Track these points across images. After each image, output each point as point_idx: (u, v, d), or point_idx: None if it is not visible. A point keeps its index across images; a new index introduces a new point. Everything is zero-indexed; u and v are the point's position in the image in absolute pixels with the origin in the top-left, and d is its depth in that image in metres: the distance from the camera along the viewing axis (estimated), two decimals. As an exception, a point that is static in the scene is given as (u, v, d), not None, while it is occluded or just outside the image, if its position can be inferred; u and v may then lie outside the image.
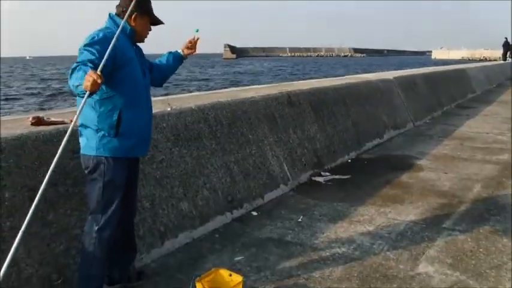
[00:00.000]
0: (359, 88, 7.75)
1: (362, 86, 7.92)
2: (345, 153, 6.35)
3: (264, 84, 8.79)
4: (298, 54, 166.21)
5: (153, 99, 4.81)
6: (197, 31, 2.93)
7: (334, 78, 9.82)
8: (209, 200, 3.91)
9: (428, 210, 4.35)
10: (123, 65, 2.44)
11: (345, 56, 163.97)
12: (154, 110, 3.82)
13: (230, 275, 2.67)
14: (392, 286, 2.96)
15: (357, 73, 18.58)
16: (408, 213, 4.25)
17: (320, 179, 5.36)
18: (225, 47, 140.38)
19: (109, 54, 2.21)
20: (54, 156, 2.00)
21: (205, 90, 14.47)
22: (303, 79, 16.37)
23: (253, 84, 16.61)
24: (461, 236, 3.74)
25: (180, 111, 4.00)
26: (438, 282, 3.02)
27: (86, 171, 2.52)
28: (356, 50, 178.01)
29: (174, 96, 4.89)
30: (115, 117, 2.43)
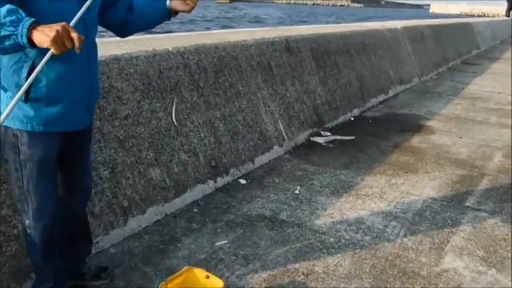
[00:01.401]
0: (365, 37, 6.89)
1: (368, 35, 7.06)
2: (347, 110, 5.61)
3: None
4: (294, 1, 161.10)
5: (113, 39, 3.92)
6: None
7: (337, 25, 8.89)
8: (187, 166, 3.19)
9: (447, 183, 3.69)
10: None
11: (342, 5, 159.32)
12: (119, 51, 3.03)
13: (207, 277, 1.99)
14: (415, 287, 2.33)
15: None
16: (424, 186, 3.59)
17: (320, 140, 4.65)
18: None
19: None
20: None
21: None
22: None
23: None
24: (490, 219, 3.10)
25: (153, 54, 3.18)
26: (470, 283, 2.40)
27: None
28: (353, 0, 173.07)
29: (146, 36, 4.02)
30: (24, 73, 1.60)
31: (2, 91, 1.65)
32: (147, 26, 2.08)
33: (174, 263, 2.42)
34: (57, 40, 1.34)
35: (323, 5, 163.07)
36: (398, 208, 3.18)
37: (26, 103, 1.63)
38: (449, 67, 10.92)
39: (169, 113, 3.16)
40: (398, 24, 9.23)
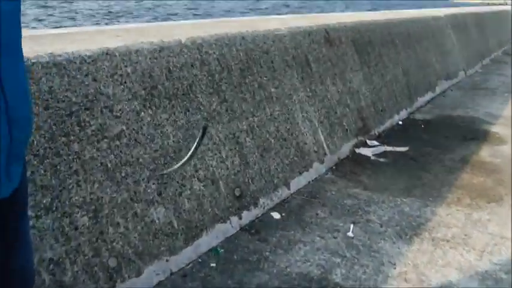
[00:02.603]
0: (409, 26, 5.92)
1: (412, 24, 6.08)
2: (394, 113, 4.69)
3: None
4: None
5: (110, 28, 3.06)
6: None
7: (376, 12, 7.91)
8: (202, 199, 2.33)
9: (547, 218, 2.77)
10: None
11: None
12: (113, 42, 2.14)
13: None
14: None
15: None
16: (519, 225, 2.68)
17: (367, 152, 3.75)
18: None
19: None
20: None
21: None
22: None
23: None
24: None
25: (160, 47, 2.32)
26: None
27: None
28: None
29: (151, 24, 3.15)
30: None
31: None
32: None
33: None
34: None
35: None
36: (495, 264, 2.28)
37: None
38: (492, 59, 9.89)
39: (180, 127, 2.29)
40: (442, 11, 8.19)
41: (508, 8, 16.14)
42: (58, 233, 1.73)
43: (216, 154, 2.47)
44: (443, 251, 2.37)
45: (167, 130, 2.23)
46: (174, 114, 2.29)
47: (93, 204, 1.86)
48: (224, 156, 2.52)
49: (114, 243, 1.90)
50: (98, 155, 1.93)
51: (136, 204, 2.02)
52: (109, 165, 1.95)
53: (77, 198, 1.81)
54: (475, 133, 4.46)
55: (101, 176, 1.92)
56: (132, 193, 2.01)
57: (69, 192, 1.79)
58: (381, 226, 2.60)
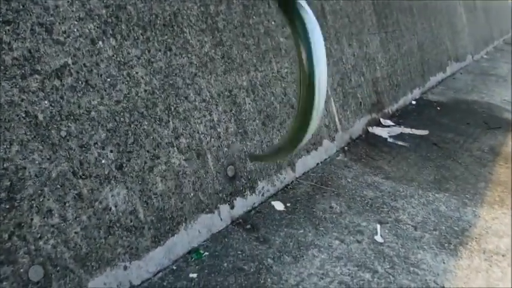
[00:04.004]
0: (425, -6, 5.24)
1: (428, -8, 5.40)
2: (407, 90, 4.05)
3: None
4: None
5: None
6: None
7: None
8: (183, 178, 1.64)
9: None
10: None
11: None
12: None
13: None
14: None
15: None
16: None
17: (382, 132, 3.11)
18: None
19: None
20: None
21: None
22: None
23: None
24: None
25: (133, -49, 1.56)
26: None
27: None
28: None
29: None
30: None
31: None
32: None
33: None
34: None
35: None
36: None
37: None
38: (495, 46, 9.39)
39: (158, 71, 1.57)
40: (451, -13, 7.54)
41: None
42: None
43: (204, 116, 1.77)
44: (495, 265, 1.76)
45: (137, 73, 1.51)
46: (149, 51, 1.56)
47: (9, 178, 1.15)
48: (216, 120, 1.82)
49: (41, 243, 1.20)
50: (22, 99, 1.20)
51: (81, 181, 1.31)
52: (40, 117, 1.23)
53: (-24, 165, 1.09)
54: (495, 119, 3.87)
55: (26, 134, 1.20)
56: (77, 164, 1.30)
57: (-37, 155, 1.07)
58: (415, 229, 1.97)
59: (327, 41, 2.75)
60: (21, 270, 1.15)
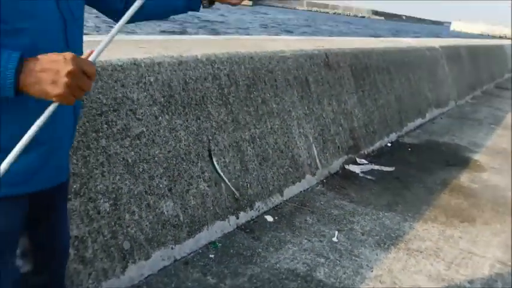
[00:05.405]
0: (405, 55, 6.29)
1: (408, 53, 6.45)
2: (384, 135, 5.01)
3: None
4: (315, 9, 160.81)
5: (133, 38, 3.37)
6: None
7: (374, 39, 8.31)
8: (206, 198, 2.62)
9: (513, 240, 3.08)
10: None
11: (362, 16, 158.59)
12: (139, 54, 2.45)
13: None
14: None
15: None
16: (487, 244, 2.98)
17: (356, 169, 4.06)
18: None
19: None
20: None
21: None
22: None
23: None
24: None
25: (179, 61, 2.63)
26: None
27: None
28: (374, 13, 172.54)
29: (172, 37, 3.45)
30: None
31: None
32: (165, 13, 1.52)
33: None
34: (70, 91, 0.90)
35: (344, 14, 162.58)
36: (461, 274, 2.58)
37: None
38: (484, 91, 10.29)
39: (192, 133, 2.59)
40: (435, 42, 8.61)
41: (508, 42, 16.67)
42: (84, 214, 2.01)
43: (220, 159, 2.77)
44: (416, 260, 2.66)
45: (180, 134, 2.53)
46: (187, 121, 2.59)
47: (114, 193, 2.15)
48: (227, 161, 2.82)
49: (129, 229, 2.18)
50: (121, 151, 2.21)
51: (149, 197, 2.30)
52: (129, 160, 2.24)
53: (101, 186, 2.10)
54: (457, 159, 4.78)
55: (122, 169, 2.20)
56: (147, 186, 2.30)
57: (95, 180, 2.08)
58: (363, 235, 2.89)
59: (309, 103, 3.77)
60: (119, 242, 2.13)
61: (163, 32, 15.74)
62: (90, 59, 0.97)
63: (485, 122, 6.87)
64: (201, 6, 1.49)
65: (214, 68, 2.83)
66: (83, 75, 0.91)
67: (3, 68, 0.87)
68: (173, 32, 16.03)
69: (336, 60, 4.37)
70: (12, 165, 0.92)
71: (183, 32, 16.87)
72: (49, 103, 0.93)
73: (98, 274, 2.02)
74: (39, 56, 0.91)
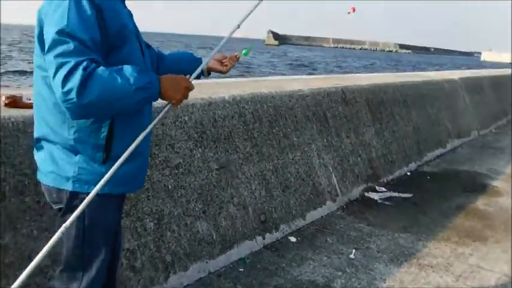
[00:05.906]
0: (422, 88, 6.61)
1: (426, 86, 6.78)
2: (403, 165, 5.29)
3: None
4: (342, 45, 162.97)
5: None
6: (246, 53, 2.00)
7: (392, 74, 8.68)
8: (235, 220, 3.00)
9: (522, 257, 3.28)
10: (122, 42, 1.50)
11: (390, 51, 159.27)
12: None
13: None
14: None
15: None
16: (496, 260, 3.20)
17: (375, 196, 4.36)
18: (268, 33, 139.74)
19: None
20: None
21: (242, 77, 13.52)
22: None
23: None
24: None
25: (209, 102, 3.09)
26: None
27: (55, 207, 1.60)
28: (401, 46, 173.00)
29: (204, 81, 3.95)
30: (104, 132, 1.48)
31: (70, 152, 1.49)
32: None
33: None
34: (185, 96, 1.54)
35: (371, 49, 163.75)
36: (468, 285, 2.82)
37: (104, 164, 1.49)
38: (508, 119, 10.36)
39: (223, 163, 3.01)
40: (455, 74, 8.89)
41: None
42: (133, 231, 2.42)
43: (247, 187, 3.16)
44: (426, 273, 2.93)
45: (211, 165, 2.95)
46: (217, 153, 3.01)
47: (158, 214, 2.56)
48: (253, 188, 3.20)
49: (170, 244, 2.57)
50: (162, 179, 2.65)
51: (187, 218, 2.70)
52: (169, 187, 2.67)
53: (147, 208, 2.52)
54: (475, 185, 4.99)
55: (164, 194, 2.63)
56: (185, 209, 2.71)
57: (142, 203, 2.50)
58: (378, 252, 3.18)
59: (328, 136, 4.15)
60: (162, 255, 2.52)
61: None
62: (190, 80, 1.61)
63: (508, 151, 7.01)
64: (202, 76, 2.00)
65: (240, 107, 3.27)
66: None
67: (155, 82, 1.46)
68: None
69: (353, 96, 4.76)
70: (121, 168, 1.44)
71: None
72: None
73: (146, 281, 2.41)
74: (164, 76, 1.51)
